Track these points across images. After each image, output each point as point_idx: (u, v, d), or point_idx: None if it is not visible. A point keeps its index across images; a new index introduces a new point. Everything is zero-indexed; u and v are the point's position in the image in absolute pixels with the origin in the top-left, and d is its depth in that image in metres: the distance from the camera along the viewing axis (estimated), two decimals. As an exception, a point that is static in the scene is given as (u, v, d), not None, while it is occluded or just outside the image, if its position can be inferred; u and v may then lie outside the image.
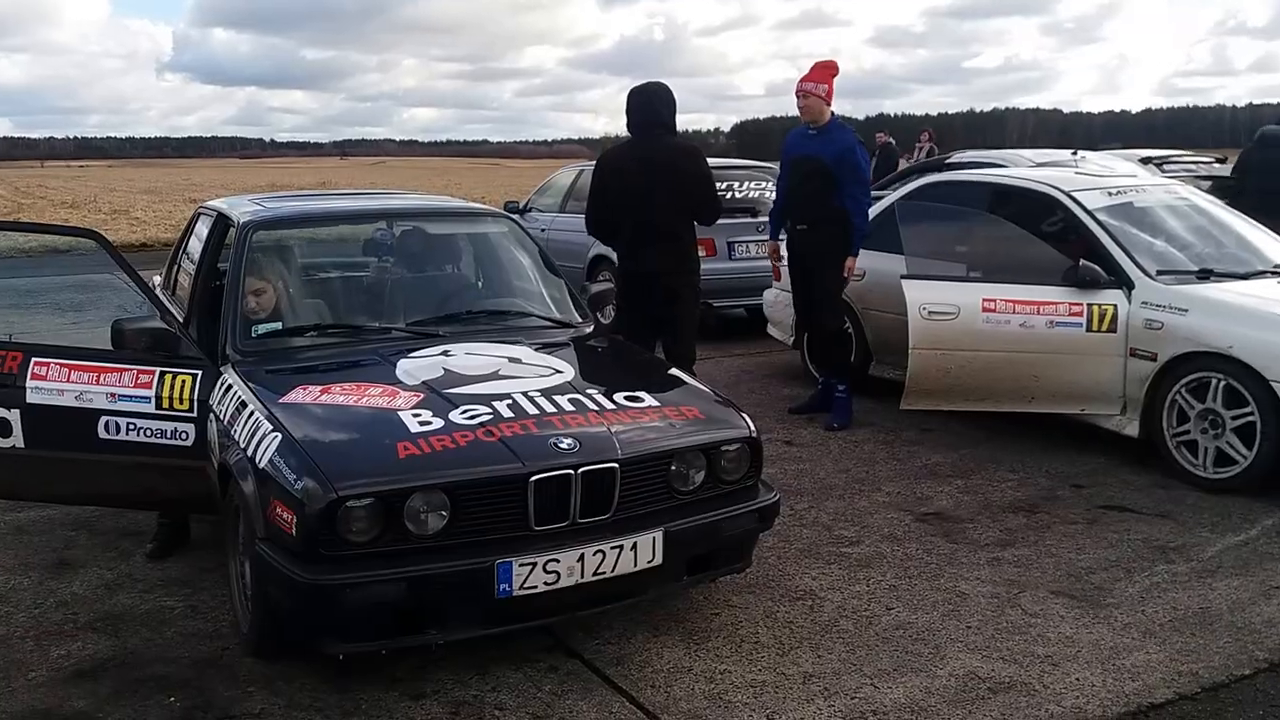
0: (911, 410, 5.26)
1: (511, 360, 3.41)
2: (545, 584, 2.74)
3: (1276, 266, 5.08)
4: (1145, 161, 10.38)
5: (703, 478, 3.05)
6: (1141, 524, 4.16)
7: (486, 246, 4.32)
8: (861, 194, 5.48)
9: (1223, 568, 3.72)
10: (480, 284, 4.27)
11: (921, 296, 4.98)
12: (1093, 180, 5.53)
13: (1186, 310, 4.62)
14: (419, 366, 3.32)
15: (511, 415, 2.95)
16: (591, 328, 4.05)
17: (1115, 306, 4.82)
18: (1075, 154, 8.68)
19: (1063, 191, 5.33)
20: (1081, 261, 4.88)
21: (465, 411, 2.97)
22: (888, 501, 4.50)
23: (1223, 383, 4.45)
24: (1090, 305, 4.84)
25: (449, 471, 2.73)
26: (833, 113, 5.67)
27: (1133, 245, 5.01)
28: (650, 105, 4.70)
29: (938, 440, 5.36)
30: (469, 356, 3.42)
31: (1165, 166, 10.16)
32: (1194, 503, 4.38)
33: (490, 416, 2.94)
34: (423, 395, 3.09)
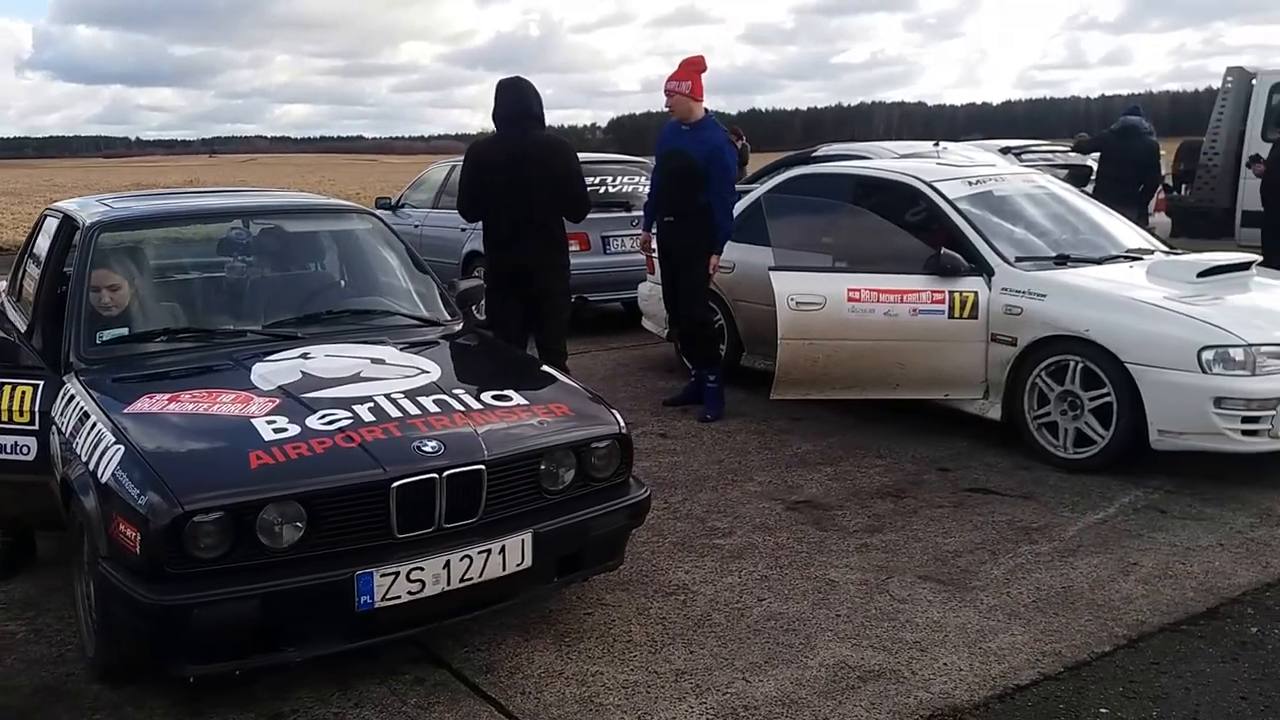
0: (782, 400, 5.31)
1: (374, 361, 3.28)
2: (410, 594, 2.64)
3: (1129, 251, 5.32)
4: (1004, 152, 10.75)
5: (573, 476, 2.99)
6: (1005, 506, 4.30)
7: (349, 244, 4.16)
8: (727, 191, 5.52)
9: (1083, 546, 3.86)
10: (343, 283, 4.10)
11: (789, 288, 5.03)
12: (954, 171, 5.68)
13: (1044, 296, 4.78)
14: (275, 370, 3.16)
15: (373, 419, 2.83)
16: (461, 325, 3.94)
17: (976, 293, 4.97)
18: (938, 145, 8.92)
19: (924, 182, 5.46)
20: (942, 250, 5.01)
21: (323, 416, 2.83)
22: (760, 491, 4.53)
23: (1080, 365, 4.62)
24: (952, 293, 4.97)
25: (305, 481, 2.60)
26: (706, 109, 5.68)
27: (992, 233, 5.17)
28: (520, 98, 4.63)
29: (808, 428, 5.44)
30: (329, 359, 3.28)
31: (1024, 156, 10.55)
32: (1055, 483, 4.54)
33: (350, 421, 2.81)
34: (278, 401, 2.94)
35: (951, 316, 4.98)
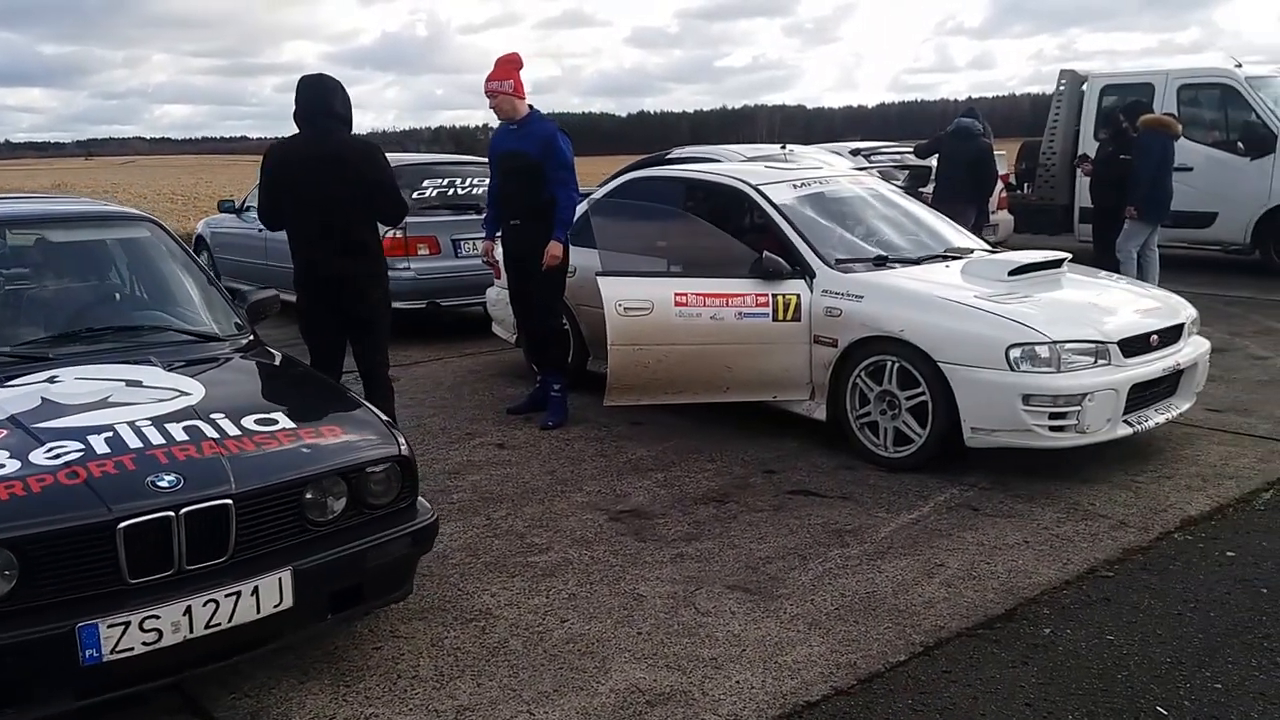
0: (617, 406, 5.20)
1: (130, 384, 3.01)
2: (145, 644, 2.40)
3: (948, 250, 5.39)
4: (855, 153, 10.96)
5: (344, 505, 2.79)
6: (823, 508, 4.28)
7: (123, 254, 3.85)
8: (568, 178, 5.38)
9: (893, 548, 3.86)
10: (117, 296, 3.79)
11: (617, 293, 4.92)
12: (781, 174, 5.67)
13: (862, 297, 4.80)
14: (12, 397, 2.87)
15: (107, 451, 2.58)
16: (250, 339, 3.68)
17: (798, 296, 4.95)
18: (784, 148, 8.99)
19: (751, 186, 5.44)
20: (764, 253, 4.98)
21: (51, 450, 2.57)
22: (586, 502, 4.40)
23: (897, 365, 4.65)
24: (775, 295, 4.95)
25: (14, 524, 2.33)
26: (530, 105, 5.53)
27: (815, 236, 5.17)
28: (321, 96, 4.37)
29: (646, 433, 5.35)
30: (79, 382, 2.99)
31: (873, 157, 10.76)
32: (875, 483, 4.56)
33: (80, 454, 2.56)
34: (5, 432, 2.65)
35: (775, 319, 4.96)
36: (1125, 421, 4.48)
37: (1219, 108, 10.74)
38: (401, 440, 3.01)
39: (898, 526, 4.07)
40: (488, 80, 5.45)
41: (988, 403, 4.39)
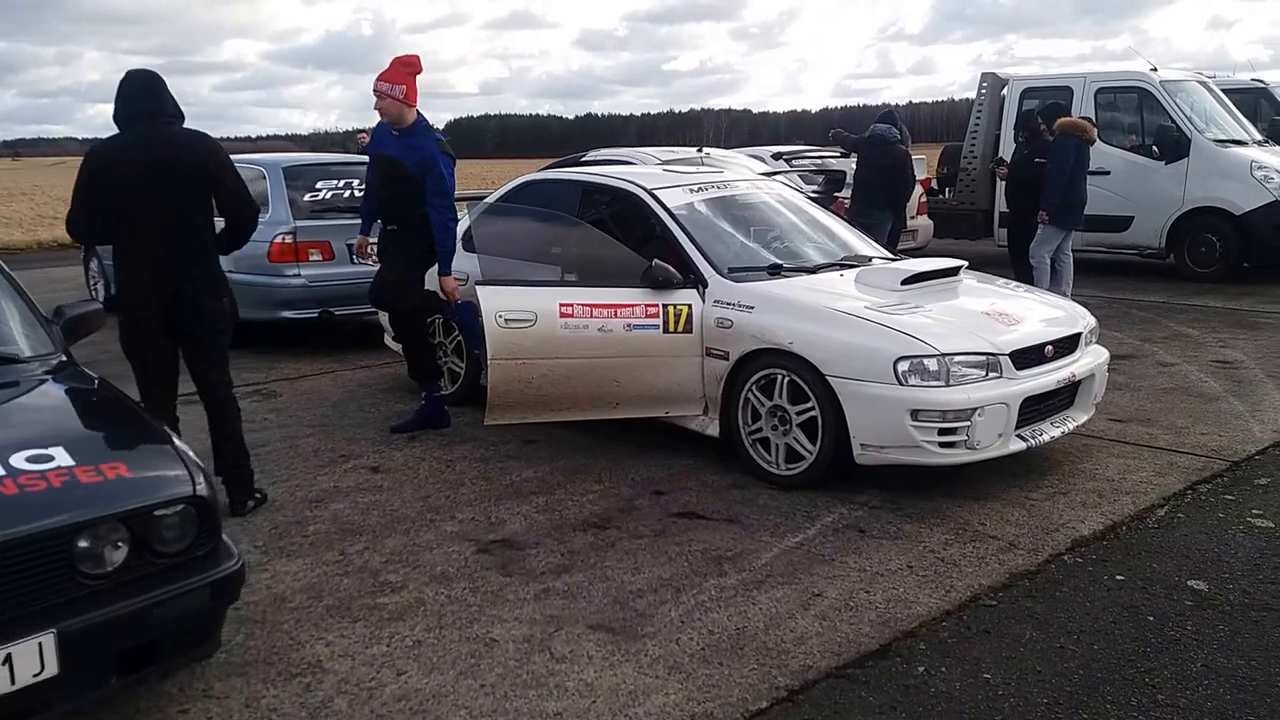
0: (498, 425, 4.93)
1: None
2: None
3: (845, 258, 5.20)
4: (777, 157, 10.80)
5: (127, 555, 2.48)
6: (707, 532, 4.05)
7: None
8: (444, 207, 5.12)
9: (772, 576, 3.63)
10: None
11: (497, 303, 4.64)
12: (680, 178, 5.44)
13: (753, 308, 4.58)
14: None
15: None
16: (61, 360, 3.33)
17: (690, 306, 4.72)
18: (701, 150, 8.79)
19: (645, 190, 5.20)
20: (654, 262, 4.74)
21: None
22: (456, 531, 4.12)
23: (787, 378, 4.44)
24: (666, 306, 4.71)
25: None
26: (418, 113, 5.24)
27: (710, 243, 4.95)
28: (152, 93, 4.05)
29: (536, 452, 5.08)
30: None
31: (794, 161, 10.61)
32: (765, 503, 4.34)
33: None
34: None
35: (666, 331, 4.72)
36: (1019, 436, 4.31)
37: (1135, 112, 10.78)
38: (200, 479, 2.68)
39: (780, 551, 3.85)
40: (379, 79, 5.16)
41: (876, 418, 4.19)
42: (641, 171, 5.77)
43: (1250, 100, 12.42)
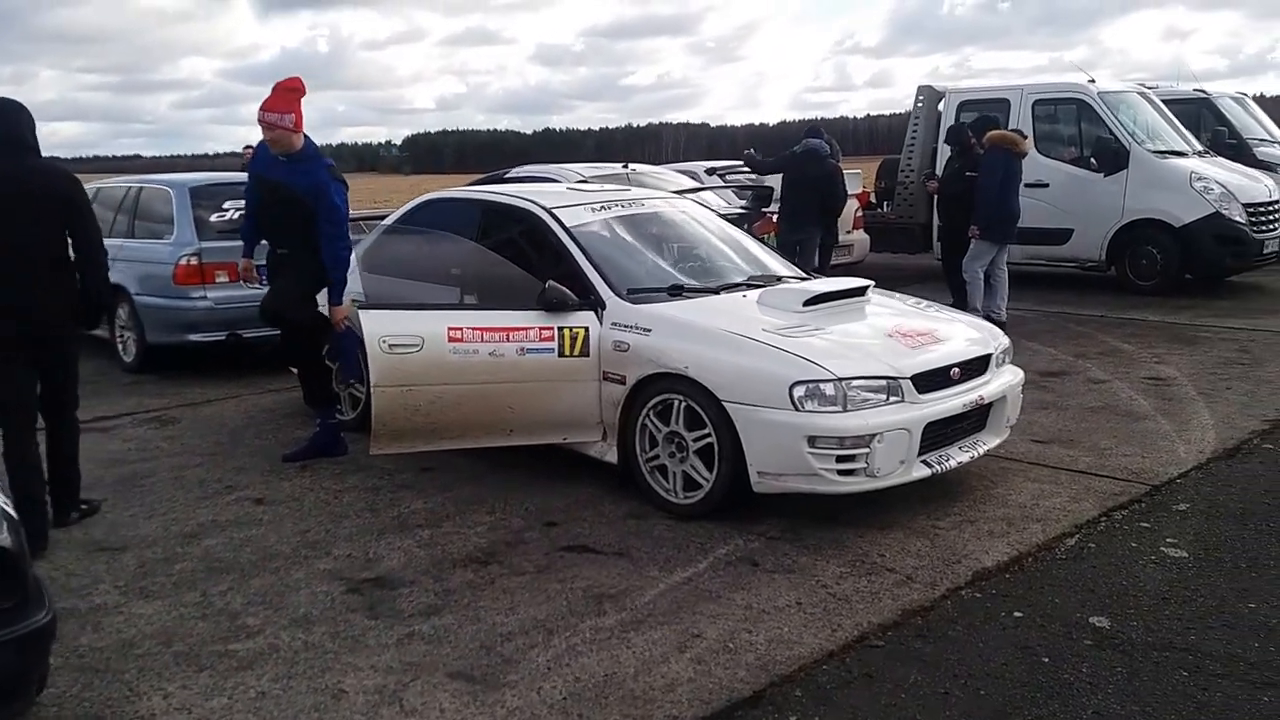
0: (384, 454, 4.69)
1: None
2: None
3: (751, 278, 5.02)
4: (710, 172, 10.67)
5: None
6: (594, 567, 3.83)
7: None
8: (337, 236, 4.91)
9: (653, 615, 3.42)
10: None
11: (381, 328, 4.40)
12: (581, 196, 5.25)
13: (650, 330, 4.39)
14: None
15: None
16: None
17: (587, 329, 4.52)
18: (627, 167, 8.64)
19: (544, 209, 5.00)
20: (549, 283, 4.54)
21: None
22: (329, 569, 3.88)
23: (683, 404, 4.25)
24: (561, 329, 4.51)
25: None
26: (306, 138, 5.03)
27: (609, 263, 4.75)
28: (12, 122, 3.95)
29: (431, 481, 4.85)
30: None
31: (727, 176, 10.47)
32: (659, 534, 4.13)
33: None
34: None
35: (562, 355, 4.51)
36: (924, 462, 4.14)
37: (1074, 124, 10.72)
38: (2, 527, 2.45)
39: (667, 588, 3.64)
40: (264, 109, 4.94)
41: (773, 445, 4.01)
42: (543, 189, 5.59)
43: (1193, 111, 12.44)
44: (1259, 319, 8.67)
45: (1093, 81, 10.76)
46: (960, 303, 8.45)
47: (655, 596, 3.57)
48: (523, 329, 4.50)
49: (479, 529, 4.26)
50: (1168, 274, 10.03)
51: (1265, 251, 10.13)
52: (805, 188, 8.25)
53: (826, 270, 9.24)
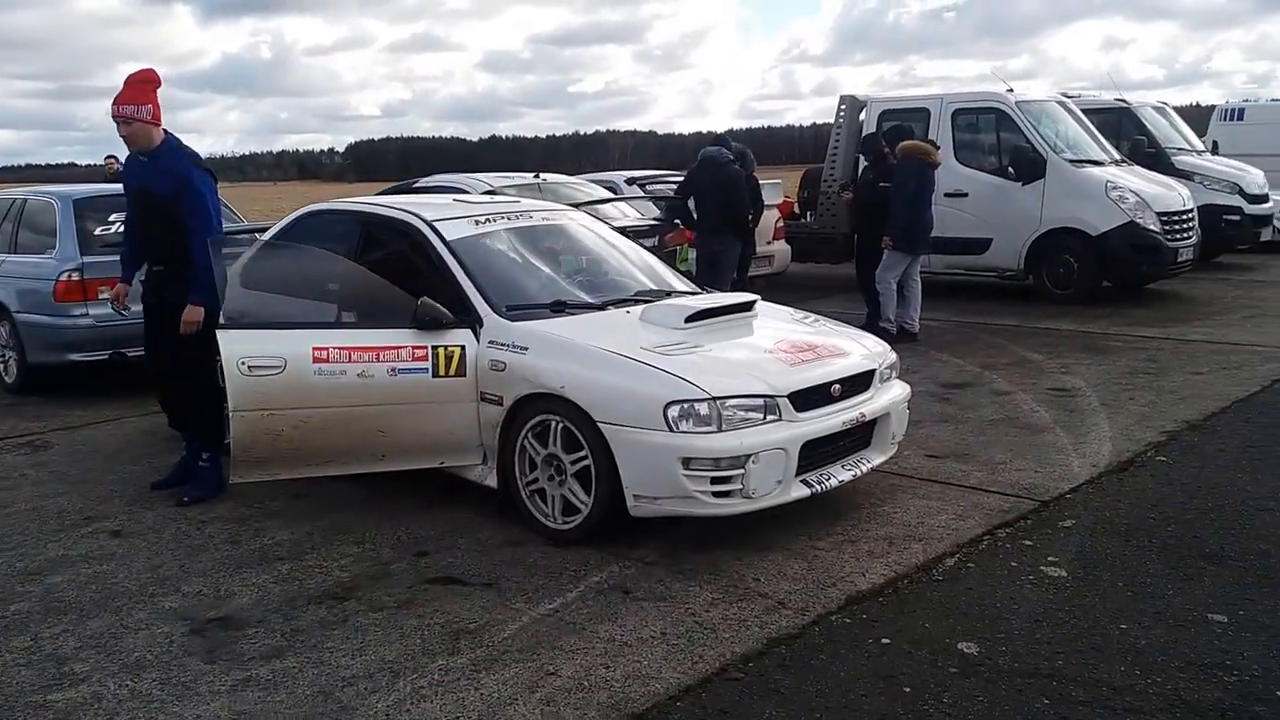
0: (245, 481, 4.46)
1: None
2: None
3: (639, 294, 4.88)
4: (631, 182, 10.55)
5: None
6: (457, 601, 3.65)
7: None
8: (204, 226, 4.64)
9: (510, 653, 3.25)
10: None
11: (240, 349, 4.19)
12: (465, 208, 5.07)
13: (527, 349, 4.22)
14: None
15: None
16: None
17: (463, 348, 4.34)
18: (537, 176, 8.49)
19: (424, 221, 4.81)
20: (421, 300, 4.35)
21: None
22: (175, 608, 3.65)
23: (560, 425, 4.08)
24: (436, 348, 4.33)
25: None
26: (166, 132, 4.79)
27: (489, 279, 4.58)
28: None
29: (303, 509, 4.64)
30: None
31: (648, 186, 10.36)
32: (534, 562, 3.97)
33: None
34: None
35: (437, 375, 4.33)
36: (803, 482, 4.02)
37: (993, 133, 10.77)
38: None
39: (530, 621, 3.47)
40: (117, 103, 4.69)
41: (648, 467, 3.86)
42: (424, 201, 5.39)
43: (1114, 120, 12.59)
44: (1170, 327, 8.74)
45: (1011, 91, 10.82)
46: (875, 313, 8.41)
47: (516, 631, 3.40)
48: (394, 348, 4.31)
49: (343, 561, 4.06)
50: (1085, 283, 10.08)
51: (1180, 260, 10.25)
52: (707, 196, 8.12)
53: (745, 282, 9.15)
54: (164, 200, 4.70)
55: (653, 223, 8.12)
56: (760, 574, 3.79)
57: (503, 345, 4.28)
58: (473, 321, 4.40)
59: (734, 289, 7.68)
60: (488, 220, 4.96)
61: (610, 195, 8.83)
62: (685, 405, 3.81)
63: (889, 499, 4.56)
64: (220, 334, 4.21)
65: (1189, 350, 7.73)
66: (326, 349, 4.24)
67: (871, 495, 4.59)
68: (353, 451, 4.37)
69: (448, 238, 4.71)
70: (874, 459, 4.40)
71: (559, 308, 4.53)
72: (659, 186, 10.21)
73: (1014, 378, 6.97)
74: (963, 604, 3.53)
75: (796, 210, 12.04)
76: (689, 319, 4.34)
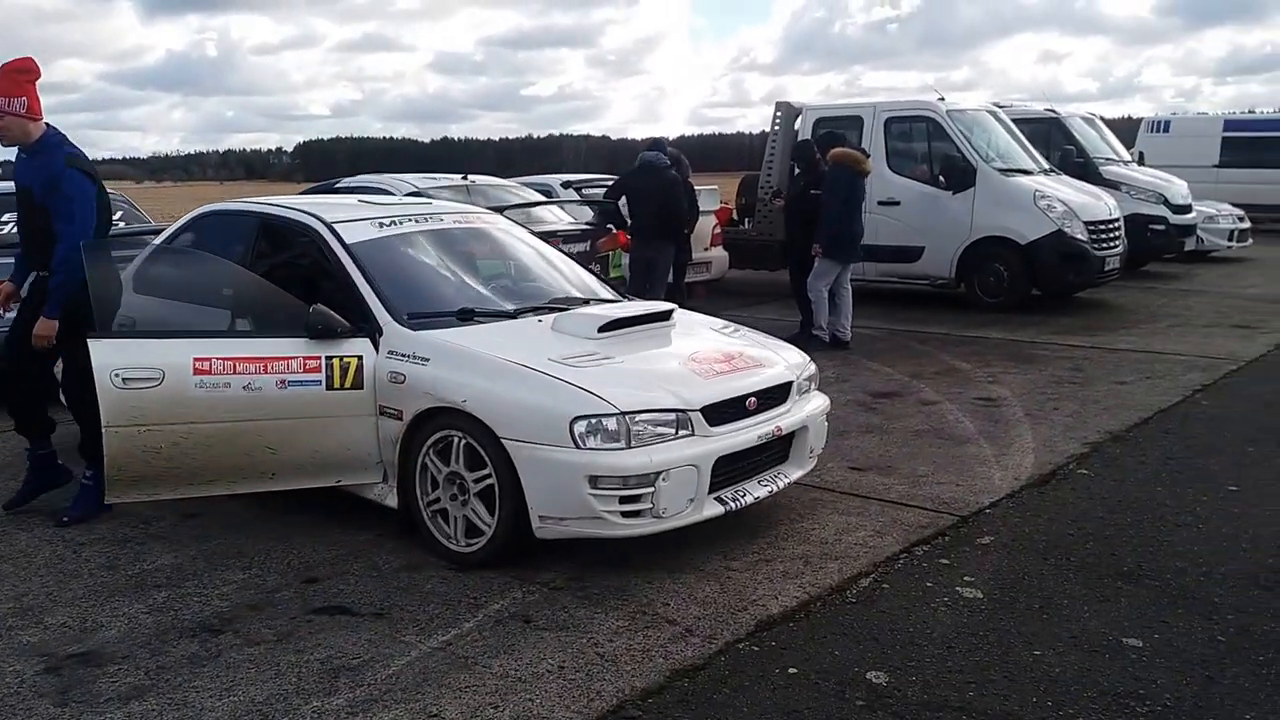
0: (123, 501, 4.15)
1: None
2: None
3: (554, 301, 4.67)
4: (567, 185, 10.34)
5: None
6: (343, 633, 3.40)
7: None
8: (67, 233, 4.32)
9: (392, 691, 3.01)
10: None
11: (113, 359, 3.89)
12: (368, 210, 4.81)
13: (429, 360, 3.98)
14: None
15: None
16: None
17: (360, 358, 4.09)
18: (466, 178, 8.24)
19: (323, 223, 4.55)
20: (314, 307, 4.09)
21: None
22: (35, 642, 3.36)
23: (463, 441, 3.86)
24: (330, 359, 4.07)
25: None
26: (47, 125, 4.47)
27: (390, 285, 4.33)
28: None
29: (190, 531, 4.35)
30: None
31: (584, 190, 10.16)
32: (431, 589, 3.73)
33: None
34: None
35: (331, 387, 4.07)
36: (717, 499, 3.85)
37: (924, 141, 10.75)
38: None
39: (419, 655, 3.23)
40: None
41: (554, 486, 3.65)
42: (327, 202, 5.12)
43: (1043, 130, 12.71)
44: (1098, 336, 8.76)
45: (942, 100, 10.82)
46: (808, 321, 8.31)
47: (402, 667, 3.16)
48: (284, 359, 4.04)
49: (226, 589, 3.78)
50: (1014, 291, 10.10)
51: (1107, 269, 10.32)
52: (644, 201, 7.96)
53: (681, 288, 8.99)
54: (39, 200, 4.40)
55: (585, 227, 7.91)
56: (670, 598, 3.60)
57: (403, 356, 4.04)
58: (371, 330, 4.15)
59: (669, 295, 7.52)
60: (393, 223, 4.71)
61: (541, 198, 8.61)
62: (593, 420, 3.61)
63: (808, 514, 4.40)
64: (92, 343, 3.91)
65: (1114, 359, 7.73)
66: (209, 360, 3.96)
67: (791, 510, 4.43)
68: (240, 470, 4.09)
69: (347, 240, 4.45)
70: (791, 474, 4.24)
71: (466, 316, 4.29)
72: (595, 191, 10.00)
73: (942, 387, 6.89)
74: (875, 628, 3.38)
75: (734, 217, 11.92)
76: (602, 329, 4.14)
